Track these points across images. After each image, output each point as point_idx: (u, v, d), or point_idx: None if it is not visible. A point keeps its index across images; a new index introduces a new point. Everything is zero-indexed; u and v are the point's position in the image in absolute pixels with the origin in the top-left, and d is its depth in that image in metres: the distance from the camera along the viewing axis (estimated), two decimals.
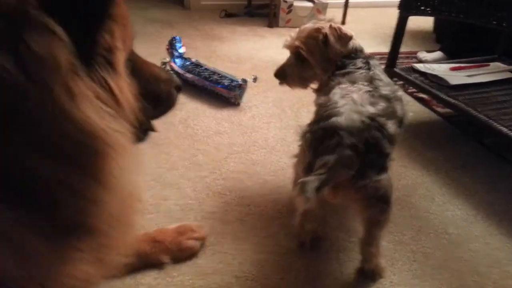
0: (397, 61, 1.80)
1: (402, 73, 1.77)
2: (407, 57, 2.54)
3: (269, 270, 1.03)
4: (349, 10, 3.21)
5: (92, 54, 0.41)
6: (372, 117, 0.88)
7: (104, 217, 0.44)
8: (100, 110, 0.41)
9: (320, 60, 1.14)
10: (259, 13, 3.28)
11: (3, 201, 0.37)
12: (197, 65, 1.99)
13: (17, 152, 0.36)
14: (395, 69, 1.79)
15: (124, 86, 0.48)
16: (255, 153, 1.51)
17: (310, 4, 3.02)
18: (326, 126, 0.87)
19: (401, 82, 1.87)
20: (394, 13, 1.73)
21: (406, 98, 1.95)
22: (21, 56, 0.35)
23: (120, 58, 0.48)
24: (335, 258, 1.07)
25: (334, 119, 0.87)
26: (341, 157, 0.82)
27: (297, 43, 1.16)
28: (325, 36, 1.11)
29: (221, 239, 1.12)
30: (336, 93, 0.97)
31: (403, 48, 1.87)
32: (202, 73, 1.92)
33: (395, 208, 1.26)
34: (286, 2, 2.99)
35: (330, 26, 1.13)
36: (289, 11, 3.00)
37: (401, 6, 1.69)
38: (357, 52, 1.15)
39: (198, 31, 2.86)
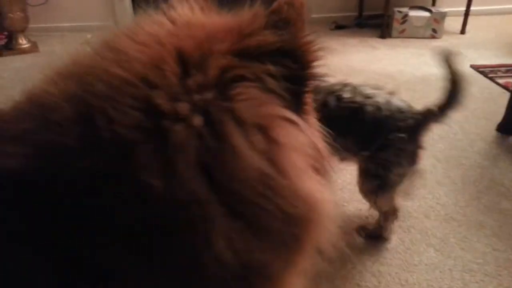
0: None
1: None
2: None
3: (389, 282, 1.05)
4: (470, 18, 3.02)
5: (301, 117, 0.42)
6: None
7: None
8: (314, 177, 0.41)
9: None
10: (370, 24, 3.25)
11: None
12: None
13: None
14: None
15: (319, 136, 0.47)
16: None
17: (427, 14, 2.91)
18: (417, 116, 1.04)
19: None
20: None
21: None
22: (270, 151, 0.36)
23: (312, 111, 0.47)
24: (460, 278, 1.06)
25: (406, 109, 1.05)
26: None
27: None
28: None
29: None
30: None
31: None
32: None
33: None
34: (400, 12, 2.93)
35: None
36: (404, 21, 2.94)
37: None
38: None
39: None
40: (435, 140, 1.67)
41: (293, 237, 0.39)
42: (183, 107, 0.34)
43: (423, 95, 2.01)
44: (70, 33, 3.13)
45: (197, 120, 0.34)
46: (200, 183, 0.33)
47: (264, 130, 0.36)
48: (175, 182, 0.33)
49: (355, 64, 2.51)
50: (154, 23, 0.42)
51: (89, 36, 2.90)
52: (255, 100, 0.37)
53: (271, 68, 0.39)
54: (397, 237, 1.20)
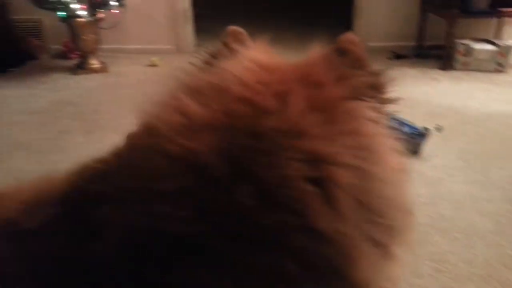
0: None
1: None
2: None
3: None
4: None
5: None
6: None
7: None
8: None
9: None
10: (430, 54, 3.20)
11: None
12: None
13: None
14: None
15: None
16: (441, 207, 1.49)
17: (491, 47, 2.84)
18: None
19: None
20: None
21: None
22: (398, 179, 0.42)
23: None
24: None
25: None
26: None
27: None
28: None
29: None
30: None
31: None
32: None
33: None
34: (463, 44, 2.87)
35: None
36: (467, 54, 2.87)
37: None
38: None
39: None
40: (509, 183, 1.60)
41: (389, 249, 0.41)
42: (341, 151, 0.36)
43: (493, 133, 1.94)
44: (136, 55, 3.30)
45: (355, 161, 0.37)
46: (358, 220, 0.36)
47: (387, 161, 0.41)
48: (341, 224, 0.34)
49: (418, 96, 2.47)
50: (245, 68, 0.43)
51: (154, 58, 3.05)
52: (377, 135, 0.42)
53: (371, 104, 0.44)
54: (475, 287, 1.15)
